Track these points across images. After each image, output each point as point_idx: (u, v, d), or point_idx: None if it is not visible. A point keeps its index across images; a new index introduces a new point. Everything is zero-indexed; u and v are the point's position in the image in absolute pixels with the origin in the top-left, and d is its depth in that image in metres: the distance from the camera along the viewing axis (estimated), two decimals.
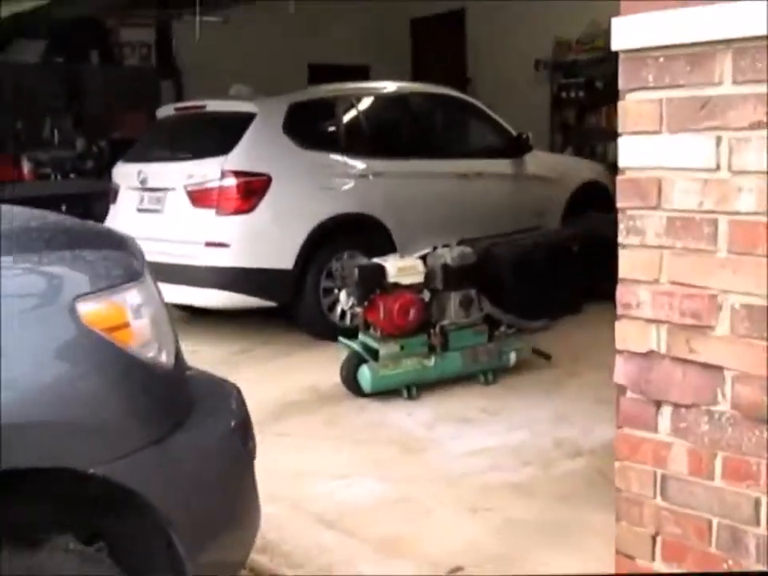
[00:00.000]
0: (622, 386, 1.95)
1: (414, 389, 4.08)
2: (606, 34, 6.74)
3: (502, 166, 6.31)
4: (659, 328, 1.85)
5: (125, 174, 5.73)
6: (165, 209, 5.30)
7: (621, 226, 1.90)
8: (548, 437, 3.57)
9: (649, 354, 1.88)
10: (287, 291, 5.13)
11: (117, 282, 1.65)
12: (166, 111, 5.89)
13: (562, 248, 5.46)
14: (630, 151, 1.88)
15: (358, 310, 4.14)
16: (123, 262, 1.74)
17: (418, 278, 4.13)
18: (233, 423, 1.90)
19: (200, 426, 1.78)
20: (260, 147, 5.13)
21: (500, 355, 4.25)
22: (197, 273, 5.06)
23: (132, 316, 1.65)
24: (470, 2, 9.64)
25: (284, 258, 5.06)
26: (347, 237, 5.35)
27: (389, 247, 5.42)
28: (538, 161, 6.51)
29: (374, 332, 4.19)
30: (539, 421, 3.75)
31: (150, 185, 5.41)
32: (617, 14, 1.91)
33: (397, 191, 5.55)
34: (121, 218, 5.74)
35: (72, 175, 7.97)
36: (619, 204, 1.90)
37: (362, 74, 9.38)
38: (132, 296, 1.67)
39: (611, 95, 7.68)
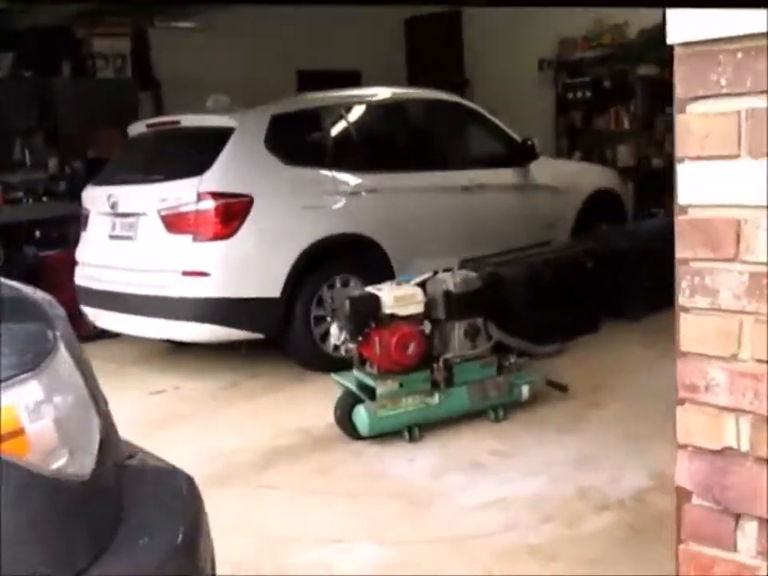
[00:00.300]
0: (684, 490, 1.58)
1: (416, 430, 3.79)
2: (613, 29, 6.42)
3: (507, 175, 6.04)
4: (739, 419, 1.47)
5: (95, 197, 5.47)
6: (138, 235, 5.03)
7: (683, 284, 1.51)
8: (570, 484, 3.27)
9: (724, 453, 1.50)
10: (275, 322, 4.85)
11: (8, 373, 1.29)
12: (138, 128, 5.61)
13: (575, 265, 5.18)
14: (695, 183, 1.46)
15: (352, 345, 3.85)
16: (22, 343, 1.37)
17: (418, 308, 3.85)
18: (179, 537, 1.46)
19: (130, 550, 1.38)
20: (239, 165, 4.85)
21: (511, 389, 3.96)
22: (174, 305, 4.78)
23: (28, 419, 1.30)
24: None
25: (270, 286, 4.78)
26: (339, 260, 5.07)
27: (385, 269, 5.18)
28: (546, 169, 6.23)
29: (369, 368, 3.91)
30: (558, 464, 3.46)
31: (122, 209, 5.14)
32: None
33: (393, 208, 5.27)
34: (92, 245, 5.50)
35: (45, 198, 7.66)
36: (680, 254, 1.51)
37: (354, 79, 9.12)
38: (29, 391, 1.31)
39: (620, 95, 7.47)
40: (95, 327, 5.48)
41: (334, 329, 3.91)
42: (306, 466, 3.67)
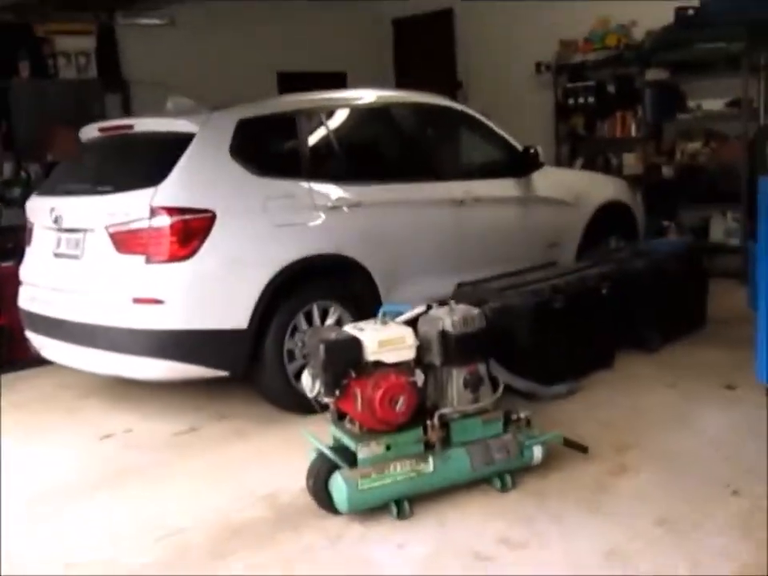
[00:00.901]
0: None
1: (405, 504, 3.04)
2: (619, 30, 5.64)
3: (507, 187, 5.30)
4: None
5: (37, 209, 4.71)
6: (84, 255, 4.26)
7: None
8: None
9: None
10: (241, 357, 4.09)
11: None
12: (90, 132, 4.83)
13: (589, 291, 4.44)
14: None
15: (327, 400, 3.10)
16: None
17: (408, 354, 3.09)
18: None
19: None
20: (200, 176, 4.07)
21: (520, 450, 3.21)
22: (123, 337, 4.02)
23: None
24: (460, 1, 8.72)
25: (235, 316, 4.02)
26: (317, 284, 4.32)
27: (370, 294, 4.46)
28: (550, 179, 5.50)
29: (350, 425, 3.15)
30: (583, 558, 2.71)
31: (66, 225, 4.37)
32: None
33: (379, 225, 4.52)
34: (35, 264, 4.73)
35: None
36: None
37: (339, 81, 8.43)
38: None
39: (625, 100, 6.75)
40: None
41: (306, 378, 3.15)
42: (271, 553, 2.90)
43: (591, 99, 7.50)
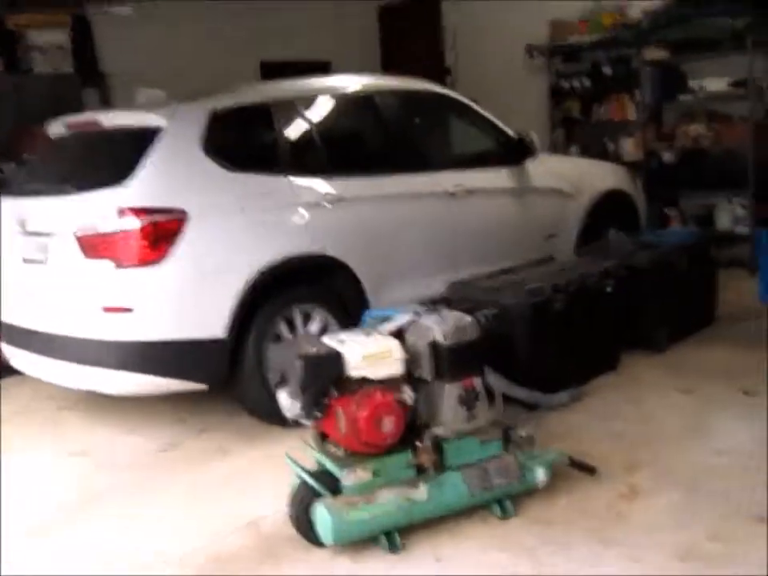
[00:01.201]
0: None
1: (396, 536, 2.70)
2: (614, 9, 5.17)
3: (500, 177, 4.93)
4: None
5: (3, 212, 4.33)
6: (50, 260, 3.90)
7: None
8: None
9: None
10: (220, 368, 3.75)
11: None
12: (58, 128, 4.46)
13: (592, 290, 4.08)
14: None
15: (306, 422, 2.75)
16: None
17: (395, 368, 2.74)
18: None
19: None
20: (170, 173, 3.71)
21: (522, 472, 2.86)
22: (93, 348, 3.67)
23: None
24: None
25: (212, 324, 3.67)
26: (299, 286, 3.97)
27: (356, 296, 4.11)
28: (546, 168, 5.13)
29: (333, 449, 2.81)
30: None
31: (31, 228, 4.01)
32: None
33: (364, 221, 4.17)
34: (5, 269, 4.35)
35: None
36: None
37: (324, 71, 8.02)
38: None
39: (623, 82, 6.31)
40: None
41: (283, 397, 2.80)
42: None
43: (587, 82, 7.11)
